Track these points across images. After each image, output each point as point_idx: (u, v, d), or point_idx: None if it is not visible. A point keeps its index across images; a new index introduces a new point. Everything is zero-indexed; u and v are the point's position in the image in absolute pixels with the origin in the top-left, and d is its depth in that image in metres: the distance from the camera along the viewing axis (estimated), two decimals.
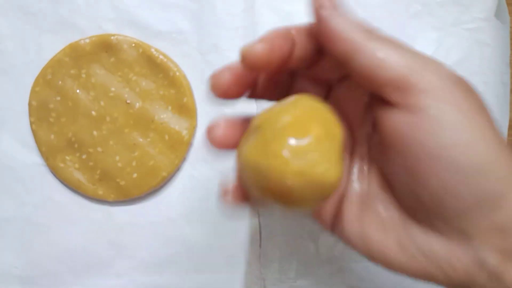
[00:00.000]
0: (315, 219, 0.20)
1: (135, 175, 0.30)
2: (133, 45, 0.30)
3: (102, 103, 0.30)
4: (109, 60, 0.30)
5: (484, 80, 0.31)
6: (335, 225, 0.20)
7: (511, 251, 0.16)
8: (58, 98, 0.30)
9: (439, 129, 0.16)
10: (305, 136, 0.16)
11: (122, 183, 0.30)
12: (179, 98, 0.30)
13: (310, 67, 0.19)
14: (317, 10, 0.17)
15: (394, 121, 0.17)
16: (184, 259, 0.31)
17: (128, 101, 0.30)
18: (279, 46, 0.17)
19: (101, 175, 0.30)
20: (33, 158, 0.31)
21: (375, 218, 0.19)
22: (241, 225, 0.31)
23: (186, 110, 0.30)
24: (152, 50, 0.30)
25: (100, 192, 0.31)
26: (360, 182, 0.20)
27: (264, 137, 0.16)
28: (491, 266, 0.16)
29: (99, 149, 0.30)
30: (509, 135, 0.31)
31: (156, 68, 0.30)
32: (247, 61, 0.17)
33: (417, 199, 0.17)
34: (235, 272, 0.31)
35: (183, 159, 0.31)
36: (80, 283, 0.31)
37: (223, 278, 0.31)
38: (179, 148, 0.30)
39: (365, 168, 0.20)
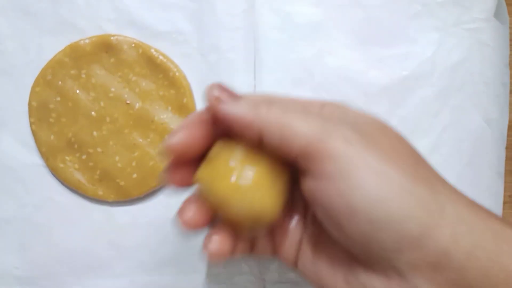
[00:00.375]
0: (279, 259, 0.22)
1: (135, 176, 0.30)
2: (133, 45, 0.30)
3: (102, 103, 0.30)
4: (109, 60, 0.30)
5: (484, 80, 0.31)
6: (296, 263, 0.21)
7: (447, 285, 0.17)
8: (58, 99, 0.30)
9: (348, 191, 0.16)
10: (247, 176, 0.18)
11: (122, 183, 0.30)
12: (179, 99, 0.30)
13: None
14: (214, 107, 0.18)
15: (308, 186, 0.18)
16: (183, 259, 0.31)
17: (128, 102, 0.30)
18: (196, 128, 0.19)
19: (101, 176, 0.31)
20: (33, 159, 0.31)
21: (326, 259, 0.20)
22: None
23: (186, 110, 0.30)
24: (152, 50, 0.30)
25: (100, 193, 0.31)
26: (313, 227, 0.21)
27: (215, 172, 0.19)
28: None
29: (99, 149, 0.30)
30: (508, 135, 0.31)
31: (156, 68, 0.30)
32: (172, 152, 0.19)
33: (348, 248, 0.18)
34: (235, 273, 0.31)
35: None
36: (80, 284, 0.31)
37: (222, 278, 0.31)
38: None
39: (314, 221, 0.21)
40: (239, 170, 0.18)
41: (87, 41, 0.30)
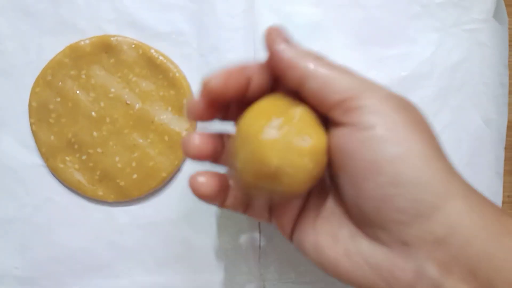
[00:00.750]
0: (277, 227, 0.22)
1: (135, 176, 0.30)
2: (133, 46, 0.30)
3: (102, 104, 0.30)
4: (109, 61, 0.30)
5: (483, 81, 0.31)
6: (293, 234, 0.21)
7: (449, 262, 0.17)
8: (58, 99, 0.30)
9: (380, 145, 0.17)
10: (283, 116, 0.18)
11: (122, 183, 0.30)
12: (179, 99, 0.30)
13: (269, 93, 0.21)
14: (271, 46, 0.19)
15: (340, 138, 0.19)
16: (184, 259, 0.31)
17: (128, 102, 0.30)
18: (233, 81, 0.20)
19: (101, 176, 0.31)
20: (33, 159, 0.31)
21: (328, 230, 0.20)
22: (240, 226, 0.31)
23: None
24: (152, 51, 0.30)
25: (100, 193, 0.31)
26: (318, 197, 0.21)
27: (251, 121, 0.19)
28: (431, 277, 0.17)
29: (99, 150, 0.30)
30: (507, 135, 0.32)
31: (156, 69, 0.30)
32: (205, 92, 0.20)
33: (362, 212, 0.18)
34: (235, 273, 0.31)
35: (183, 160, 0.31)
36: (80, 284, 0.31)
37: (222, 278, 0.31)
38: (179, 149, 0.30)
39: (324, 184, 0.22)
40: (287, 125, 0.18)
41: (87, 41, 0.30)
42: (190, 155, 0.21)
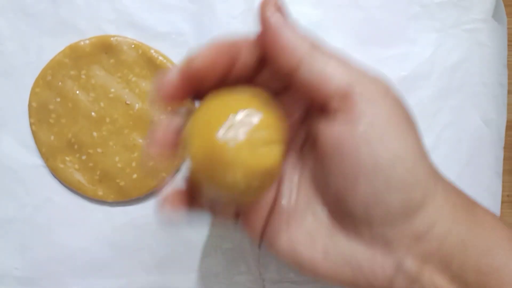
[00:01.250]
0: (245, 232, 0.21)
1: (135, 176, 0.30)
2: (133, 46, 0.30)
3: (102, 104, 0.30)
4: (109, 61, 0.30)
5: (482, 81, 0.31)
6: (264, 238, 0.20)
7: (427, 255, 0.17)
8: (58, 99, 0.30)
9: (376, 145, 0.17)
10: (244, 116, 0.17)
11: (122, 183, 0.30)
12: None
13: (251, 76, 0.19)
14: (265, 20, 0.17)
15: (334, 130, 0.17)
16: (183, 259, 0.31)
17: (128, 102, 0.30)
18: (222, 60, 0.18)
19: (101, 176, 0.31)
20: (33, 159, 0.31)
21: (303, 229, 0.19)
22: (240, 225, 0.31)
23: None
24: (152, 51, 0.30)
25: (100, 193, 0.31)
26: (289, 195, 0.20)
27: (208, 120, 0.17)
28: (409, 271, 0.18)
29: (99, 150, 0.31)
30: (507, 135, 0.32)
31: (156, 69, 0.30)
32: (191, 67, 0.18)
33: (348, 209, 0.18)
34: (235, 273, 0.31)
35: (182, 160, 0.31)
36: (80, 284, 0.31)
37: (222, 278, 0.31)
38: (179, 149, 0.30)
39: (295, 181, 0.20)
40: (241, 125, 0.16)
41: (87, 41, 0.30)
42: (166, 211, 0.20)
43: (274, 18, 0.17)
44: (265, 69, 0.19)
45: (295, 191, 0.20)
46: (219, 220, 0.22)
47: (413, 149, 0.17)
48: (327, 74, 0.17)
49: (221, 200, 0.19)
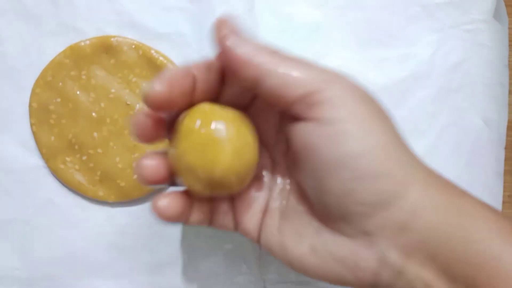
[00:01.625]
0: (243, 234, 0.22)
1: (135, 176, 0.30)
2: (133, 46, 0.30)
3: (102, 104, 0.30)
4: (109, 61, 0.30)
5: (483, 81, 0.31)
6: (260, 237, 0.21)
7: (410, 247, 0.17)
8: (59, 100, 0.30)
9: (340, 138, 0.17)
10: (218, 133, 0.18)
11: (123, 184, 0.31)
12: None
13: (216, 97, 0.21)
14: (221, 41, 0.18)
15: (302, 133, 0.18)
16: (184, 260, 0.31)
17: (129, 103, 0.30)
18: (178, 84, 0.18)
19: (101, 176, 0.31)
20: (33, 160, 0.31)
21: (292, 229, 0.20)
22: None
23: None
24: (152, 51, 0.30)
25: (101, 194, 0.31)
26: (280, 197, 0.21)
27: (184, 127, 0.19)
28: (393, 264, 0.18)
29: (100, 150, 0.31)
30: (507, 135, 0.32)
31: (156, 69, 0.30)
32: (150, 102, 0.18)
33: (325, 206, 0.19)
34: (235, 273, 0.31)
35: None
36: (81, 284, 0.31)
37: (223, 278, 0.31)
38: None
39: (285, 184, 0.22)
40: (210, 128, 0.18)
41: (87, 42, 0.30)
42: (147, 182, 0.20)
43: (229, 38, 0.18)
44: (229, 86, 0.20)
45: (286, 196, 0.21)
46: (219, 229, 0.23)
47: (381, 140, 0.18)
48: (289, 80, 0.18)
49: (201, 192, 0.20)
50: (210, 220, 0.22)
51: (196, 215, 0.21)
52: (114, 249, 0.31)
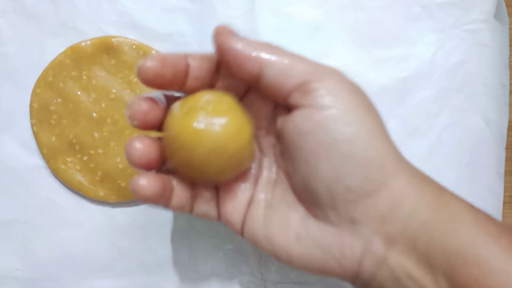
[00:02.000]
0: (226, 224, 0.22)
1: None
2: (134, 47, 0.30)
3: (103, 105, 0.30)
4: (110, 62, 0.30)
5: (483, 81, 0.31)
6: (244, 229, 0.22)
7: (392, 236, 0.18)
8: (59, 100, 0.30)
9: (333, 125, 0.18)
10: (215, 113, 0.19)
11: (123, 184, 0.31)
12: None
13: (212, 83, 0.22)
14: (221, 41, 0.19)
15: (298, 120, 0.19)
16: (184, 260, 0.31)
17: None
18: (170, 63, 0.20)
19: (102, 177, 0.31)
20: (34, 160, 0.31)
21: (278, 218, 0.21)
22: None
23: None
24: (153, 52, 0.30)
25: (101, 194, 0.31)
26: (266, 189, 0.22)
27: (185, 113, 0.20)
28: (376, 252, 0.18)
29: (100, 150, 0.31)
30: (508, 136, 0.32)
31: None
32: (141, 75, 0.19)
33: (313, 193, 0.19)
34: (236, 273, 0.31)
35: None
36: (81, 285, 0.31)
37: (223, 278, 0.31)
38: None
39: (272, 176, 0.22)
40: (209, 114, 0.19)
41: (88, 42, 0.30)
42: (135, 164, 0.20)
43: (228, 38, 0.19)
44: (223, 79, 0.21)
45: (272, 187, 0.22)
46: (202, 217, 0.23)
47: (371, 131, 0.19)
48: (286, 73, 0.19)
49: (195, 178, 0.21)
50: (192, 207, 0.22)
51: (178, 199, 0.21)
52: (115, 249, 0.31)
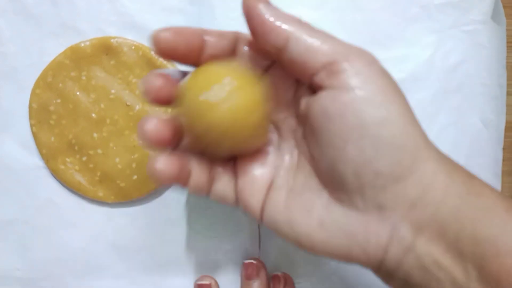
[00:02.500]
0: (245, 211, 0.21)
1: (135, 177, 0.31)
2: (133, 47, 0.30)
3: (102, 105, 0.31)
4: (110, 62, 0.31)
5: (481, 82, 0.31)
6: (263, 214, 0.21)
7: (421, 223, 0.17)
8: (59, 101, 0.31)
9: (363, 107, 0.17)
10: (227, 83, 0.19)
11: (122, 185, 0.31)
12: None
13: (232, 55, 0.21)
14: (250, 8, 0.19)
15: (323, 102, 0.18)
16: (183, 260, 0.31)
17: (128, 103, 0.31)
18: (185, 36, 0.19)
19: (101, 177, 0.31)
20: (33, 160, 0.31)
21: (301, 204, 0.20)
22: (240, 226, 0.31)
23: None
24: (152, 52, 0.30)
25: (100, 194, 0.31)
26: (287, 173, 0.21)
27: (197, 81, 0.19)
28: (404, 239, 0.18)
29: (99, 151, 0.31)
30: (506, 136, 0.32)
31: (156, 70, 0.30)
32: (154, 43, 0.19)
33: (339, 177, 0.18)
34: (235, 273, 0.31)
35: None
36: (81, 285, 0.31)
37: (222, 279, 0.31)
38: None
39: (293, 160, 0.21)
40: (226, 85, 0.19)
41: (87, 43, 0.30)
42: (149, 141, 0.20)
43: (258, 5, 0.19)
44: (241, 57, 0.21)
45: (294, 171, 0.21)
46: (218, 202, 0.22)
47: (401, 114, 0.18)
48: (313, 50, 0.18)
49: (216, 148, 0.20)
50: (209, 189, 0.22)
51: (195, 180, 0.21)
52: (114, 250, 0.31)
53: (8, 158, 0.31)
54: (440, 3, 0.31)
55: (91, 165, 0.31)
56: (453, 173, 0.18)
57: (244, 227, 0.31)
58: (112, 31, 0.31)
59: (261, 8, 0.18)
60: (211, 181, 0.22)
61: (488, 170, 0.31)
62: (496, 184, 0.32)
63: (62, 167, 0.31)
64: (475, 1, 0.31)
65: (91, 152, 0.31)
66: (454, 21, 0.31)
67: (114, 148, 0.31)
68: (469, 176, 0.18)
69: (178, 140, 0.21)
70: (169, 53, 0.20)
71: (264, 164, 0.21)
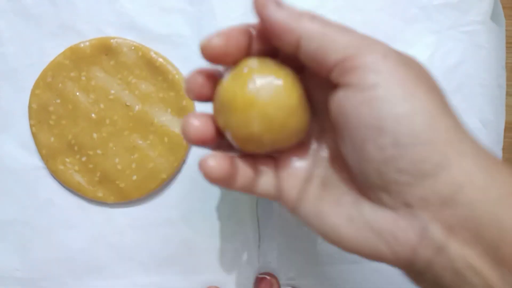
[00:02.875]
0: (280, 202, 0.21)
1: (134, 178, 0.31)
2: (133, 48, 0.30)
3: (102, 105, 0.31)
4: (109, 63, 0.31)
5: (480, 82, 0.31)
6: (296, 206, 0.21)
7: (454, 223, 0.17)
8: (58, 101, 0.31)
9: (380, 105, 0.17)
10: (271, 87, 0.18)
11: (122, 185, 0.31)
12: (178, 101, 0.31)
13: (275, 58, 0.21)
14: (260, 9, 0.18)
15: (341, 100, 0.18)
16: (183, 260, 0.31)
17: (128, 104, 0.31)
18: (235, 39, 0.19)
19: (101, 177, 0.31)
20: (33, 161, 0.31)
21: (331, 197, 0.20)
22: (240, 226, 0.31)
23: (186, 112, 0.31)
24: (152, 53, 0.30)
25: (100, 194, 0.31)
26: (323, 166, 0.21)
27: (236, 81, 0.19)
28: (434, 239, 0.17)
29: (99, 151, 0.31)
30: (505, 137, 0.32)
31: (156, 71, 0.30)
32: (206, 53, 0.19)
33: (364, 175, 0.18)
34: (234, 273, 0.31)
35: (182, 162, 0.31)
36: (80, 285, 0.31)
37: (222, 279, 0.31)
38: (179, 150, 0.31)
39: (328, 153, 0.21)
40: (264, 81, 0.18)
41: (87, 43, 0.30)
42: (191, 140, 0.20)
43: (267, 6, 0.18)
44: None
45: (327, 165, 0.21)
46: (261, 196, 0.22)
47: (424, 107, 0.17)
48: (327, 44, 0.17)
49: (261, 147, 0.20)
50: (253, 188, 0.21)
51: (242, 178, 0.21)
52: (113, 250, 0.31)
53: (8, 159, 0.31)
54: (439, 4, 0.31)
55: (90, 166, 0.31)
56: (493, 170, 0.17)
57: (244, 227, 0.31)
58: (112, 31, 0.31)
59: (271, 9, 0.18)
60: (255, 178, 0.21)
61: None
62: None
63: (62, 167, 0.31)
64: (474, 2, 0.31)
65: (90, 152, 0.31)
66: (454, 22, 0.31)
67: (114, 148, 0.31)
68: (510, 174, 0.17)
69: (220, 137, 0.21)
70: (220, 58, 0.19)
71: (304, 155, 0.21)
